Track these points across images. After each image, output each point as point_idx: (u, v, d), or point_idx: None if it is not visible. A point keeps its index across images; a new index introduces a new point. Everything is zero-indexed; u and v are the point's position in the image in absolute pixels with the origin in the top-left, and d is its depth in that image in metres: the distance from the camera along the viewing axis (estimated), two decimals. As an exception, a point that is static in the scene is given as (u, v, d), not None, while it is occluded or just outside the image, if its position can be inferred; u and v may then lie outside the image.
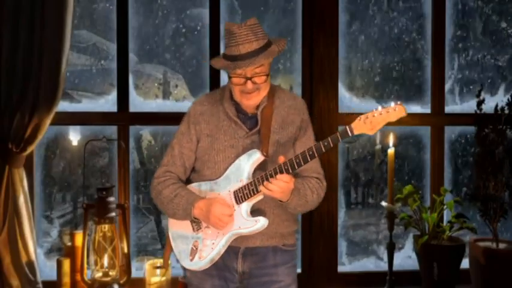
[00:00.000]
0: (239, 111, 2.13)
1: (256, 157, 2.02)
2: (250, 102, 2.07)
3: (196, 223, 2.12)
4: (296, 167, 1.95)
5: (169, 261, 2.42)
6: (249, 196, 2.01)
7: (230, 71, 2.02)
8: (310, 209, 2.14)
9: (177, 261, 2.22)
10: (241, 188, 2.02)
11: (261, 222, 2.01)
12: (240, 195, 2.02)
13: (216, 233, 2.07)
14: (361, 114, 1.90)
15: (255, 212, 2.05)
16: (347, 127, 1.92)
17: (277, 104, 2.13)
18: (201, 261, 2.09)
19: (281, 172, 1.94)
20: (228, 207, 2.02)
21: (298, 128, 2.14)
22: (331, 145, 1.93)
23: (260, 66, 2.00)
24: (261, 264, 2.12)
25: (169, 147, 2.20)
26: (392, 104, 1.86)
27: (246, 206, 2.03)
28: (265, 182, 1.96)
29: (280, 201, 2.03)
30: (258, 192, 1.99)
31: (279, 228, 2.12)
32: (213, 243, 2.08)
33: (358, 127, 1.90)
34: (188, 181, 2.22)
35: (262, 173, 1.99)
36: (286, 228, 2.15)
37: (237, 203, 2.03)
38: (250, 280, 2.13)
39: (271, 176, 1.95)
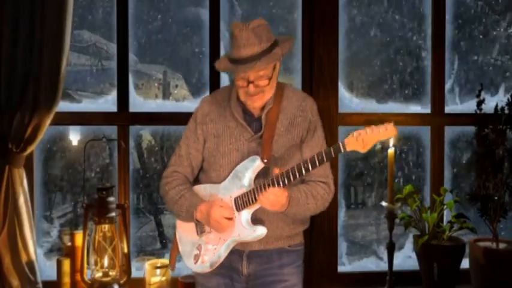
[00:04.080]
0: (246, 113, 2.10)
1: (256, 164, 2.01)
2: (255, 104, 2.05)
3: (199, 227, 2.12)
4: (292, 179, 1.94)
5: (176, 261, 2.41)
6: (248, 204, 2.00)
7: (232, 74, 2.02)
8: (315, 213, 2.13)
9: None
10: (242, 195, 2.01)
11: (259, 230, 2.00)
12: (240, 203, 2.01)
13: (217, 238, 2.07)
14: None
15: (256, 220, 2.04)
16: (340, 143, 1.93)
17: (285, 105, 2.11)
18: (204, 265, 2.10)
19: (278, 184, 1.94)
20: (228, 210, 2.01)
21: (306, 130, 2.12)
22: (325, 160, 1.93)
23: (263, 70, 1.97)
24: (266, 266, 2.12)
25: (177, 146, 2.20)
26: (385, 124, 1.90)
27: (246, 214, 2.02)
28: (259, 193, 1.95)
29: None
30: (256, 201, 1.98)
31: (284, 232, 2.11)
32: (215, 249, 2.07)
33: (350, 143, 1.91)
34: (196, 180, 2.21)
35: (264, 179, 1.98)
36: (292, 230, 2.14)
37: (237, 210, 2.02)
38: (255, 281, 2.13)
39: (269, 186, 1.94)
